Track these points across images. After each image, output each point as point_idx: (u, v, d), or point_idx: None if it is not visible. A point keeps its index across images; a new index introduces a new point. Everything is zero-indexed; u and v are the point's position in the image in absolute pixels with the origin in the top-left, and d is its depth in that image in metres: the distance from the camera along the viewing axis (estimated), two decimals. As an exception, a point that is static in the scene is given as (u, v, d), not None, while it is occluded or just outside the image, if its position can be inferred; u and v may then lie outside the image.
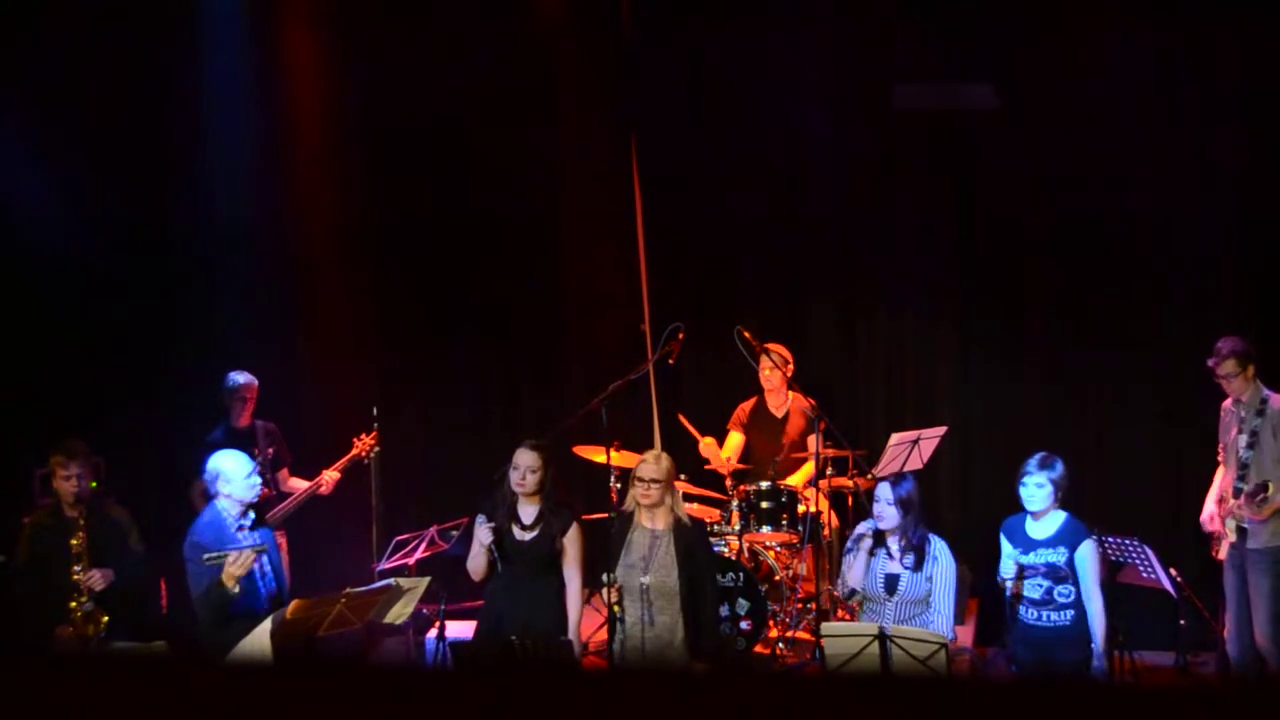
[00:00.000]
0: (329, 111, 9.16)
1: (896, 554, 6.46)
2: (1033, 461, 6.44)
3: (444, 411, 9.33)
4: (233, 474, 6.35)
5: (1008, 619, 6.51)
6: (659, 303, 9.13)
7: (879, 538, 6.53)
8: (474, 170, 9.19)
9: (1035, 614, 6.38)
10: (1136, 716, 2.38)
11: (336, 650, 6.10)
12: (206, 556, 6.15)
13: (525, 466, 6.37)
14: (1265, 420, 7.03)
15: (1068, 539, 6.37)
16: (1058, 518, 6.42)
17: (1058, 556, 6.34)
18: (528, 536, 6.41)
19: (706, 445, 8.35)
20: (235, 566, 6.11)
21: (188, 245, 8.96)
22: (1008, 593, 6.42)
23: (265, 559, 6.37)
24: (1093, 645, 6.31)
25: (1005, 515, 6.67)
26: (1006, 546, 6.49)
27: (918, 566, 6.43)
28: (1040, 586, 6.36)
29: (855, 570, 6.51)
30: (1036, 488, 6.39)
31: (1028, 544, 6.42)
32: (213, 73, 8.89)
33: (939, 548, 6.49)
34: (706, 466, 8.43)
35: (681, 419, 8.51)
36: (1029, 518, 6.47)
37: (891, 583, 6.44)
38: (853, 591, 6.54)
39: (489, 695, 2.47)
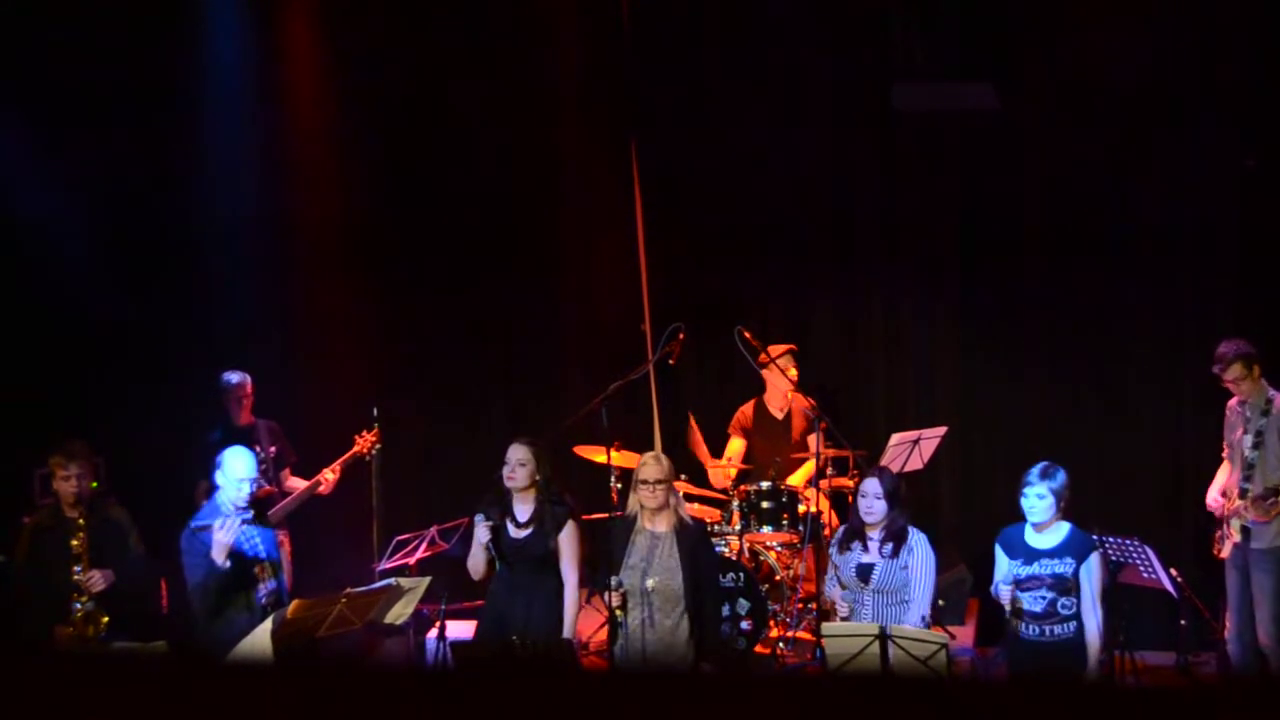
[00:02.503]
0: (329, 111, 9.16)
1: (875, 545, 6.43)
2: (1034, 472, 6.34)
3: (444, 411, 9.33)
4: (229, 471, 6.39)
5: (1005, 634, 6.45)
6: (659, 303, 9.13)
7: (856, 533, 6.50)
8: (474, 170, 9.18)
9: (1036, 629, 6.25)
10: (1136, 716, 2.38)
11: (336, 650, 6.11)
12: (195, 525, 6.20)
13: (515, 460, 6.39)
14: (1270, 421, 7.03)
15: (1074, 550, 6.27)
16: (1061, 528, 6.32)
17: (1064, 568, 6.26)
18: (522, 535, 6.43)
19: (714, 472, 8.33)
20: (222, 533, 6.15)
21: (188, 244, 8.95)
22: (1005, 604, 6.33)
23: (259, 540, 6.39)
24: (1087, 658, 6.25)
25: (1006, 515, 6.64)
26: (1003, 559, 6.40)
27: (894, 554, 6.38)
28: (1044, 599, 6.24)
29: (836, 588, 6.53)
30: (1038, 499, 6.29)
31: (1030, 555, 6.30)
32: (213, 72, 8.89)
33: (918, 539, 6.43)
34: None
35: (693, 424, 8.40)
36: (1029, 528, 6.37)
37: (864, 571, 6.40)
38: (834, 603, 6.55)
39: (489, 695, 2.47)
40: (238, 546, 6.31)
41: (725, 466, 8.33)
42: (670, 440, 8.92)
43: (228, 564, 6.21)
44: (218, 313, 8.99)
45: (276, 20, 9.09)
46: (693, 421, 8.42)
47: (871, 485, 6.46)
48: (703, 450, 8.33)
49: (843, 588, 6.48)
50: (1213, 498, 7.29)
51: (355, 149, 9.17)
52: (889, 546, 6.39)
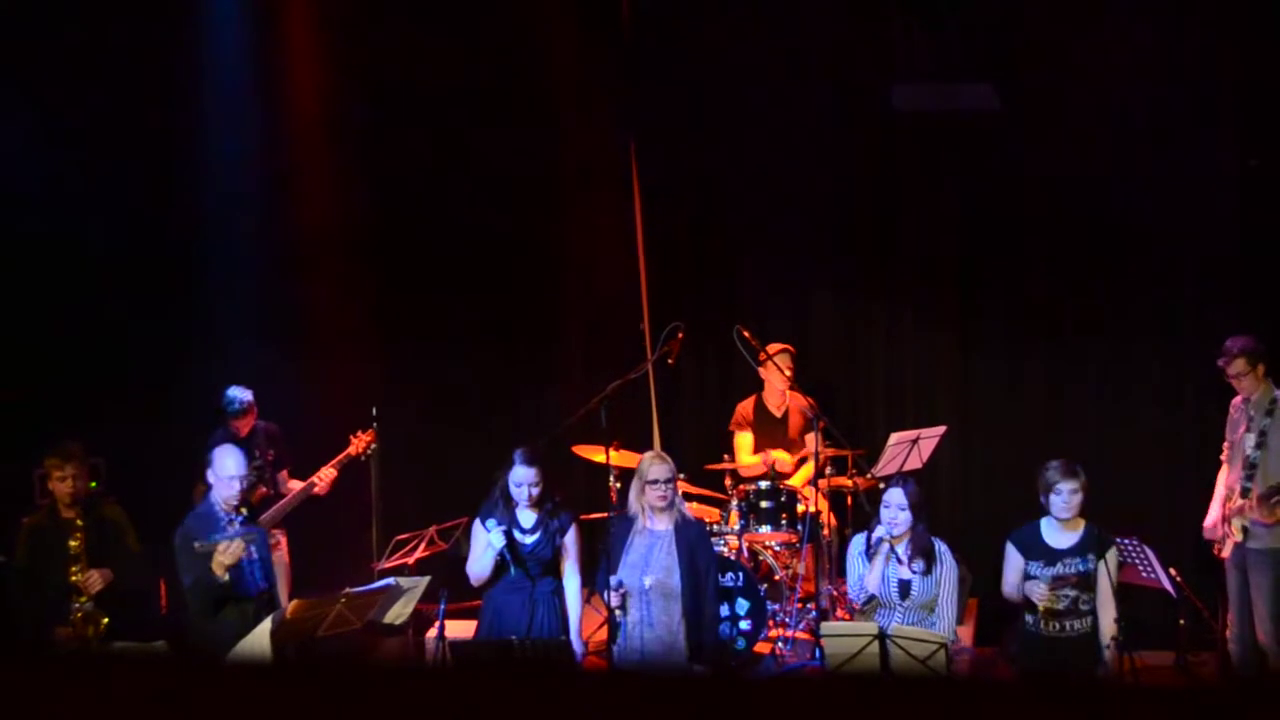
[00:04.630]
0: (329, 111, 9.15)
1: (905, 559, 6.43)
2: (1055, 469, 6.32)
3: (444, 411, 9.32)
4: (220, 468, 6.37)
5: (1020, 629, 6.44)
6: (659, 303, 9.13)
7: (887, 542, 6.49)
8: (474, 170, 9.18)
9: (1056, 625, 6.30)
10: (1136, 716, 2.38)
11: (336, 650, 6.10)
12: (198, 544, 6.17)
13: (528, 482, 6.38)
14: (1274, 421, 7.01)
15: (1094, 546, 6.29)
16: (1078, 525, 6.36)
17: (1087, 565, 6.29)
18: (529, 540, 6.43)
19: (778, 459, 8.37)
20: (225, 555, 6.14)
21: (187, 244, 8.95)
22: (1040, 604, 6.29)
23: (255, 550, 6.37)
24: (1100, 650, 6.27)
25: (1005, 515, 6.65)
26: (1018, 560, 6.38)
27: (928, 570, 6.39)
28: (1067, 597, 6.28)
29: (874, 575, 6.46)
30: (1072, 494, 6.28)
31: (1051, 555, 6.31)
32: (212, 73, 8.88)
33: (944, 551, 6.46)
34: (773, 466, 8.39)
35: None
36: (1045, 527, 6.37)
37: (905, 588, 6.40)
38: (871, 597, 6.48)
39: (489, 695, 2.47)
40: (239, 568, 6.28)
41: (791, 465, 8.36)
42: (670, 440, 8.92)
43: (226, 578, 6.19)
44: (217, 312, 8.99)
45: (276, 21, 9.08)
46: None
47: (895, 496, 6.45)
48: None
49: (881, 605, 6.44)
50: (1210, 521, 7.27)
51: (355, 149, 9.16)
52: (920, 563, 6.39)
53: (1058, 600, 6.28)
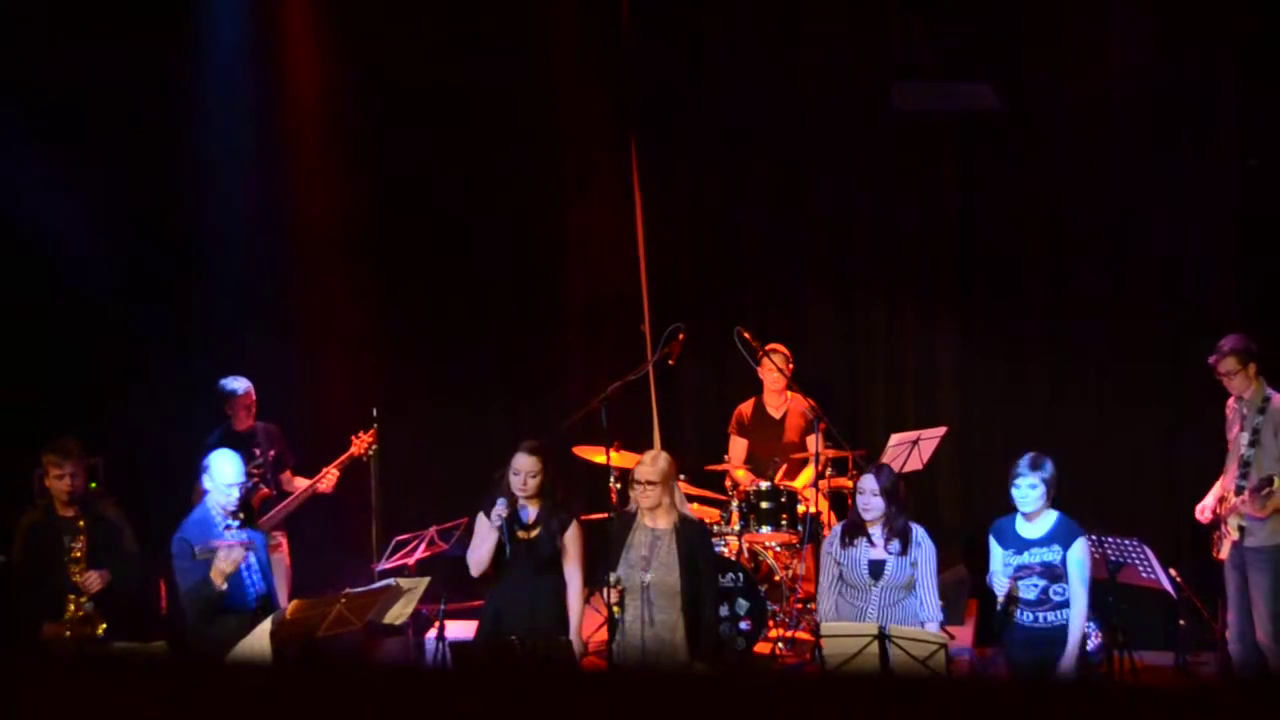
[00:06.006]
0: (329, 110, 9.16)
1: (880, 541, 6.47)
2: (1023, 462, 6.43)
3: (444, 411, 9.32)
4: (218, 474, 6.35)
5: (1000, 622, 6.50)
6: (659, 303, 9.13)
7: (858, 529, 6.52)
8: (473, 170, 9.18)
9: (1031, 615, 6.37)
10: (1136, 716, 2.38)
11: (336, 650, 6.10)
12: (197, 549, 6.16)
13: (526, 471, 6.36)
14: (1267, 418, 7.03)
15: (1061, 537, 6.38)
16: (1050, 517, 6.43)
17: (1053, 555, 6.36)
18: (529, 536, 6.42)
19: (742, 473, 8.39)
20: (224, 563, 6.13)
21: (187, 244, 8.95)
22: (1000, 594, 6.41)
23: (253, 557, 6.36)
24: (1069, 644, 6.30)
25: (1005, 515, 6.67)
26: (996, 549, 6.48)
27: (903, 551, 6.44)
28: (1035, 586, 6.36)
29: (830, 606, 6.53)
30: (1029, 489, 6.38)
31: (1020, 544, 6.42)
32: (212, 69, 8.88)
33: (921, 534, 6.51)
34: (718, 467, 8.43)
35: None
36: (1020, 518, 6.47)
37: (876, 569, 6.44)
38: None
39: (489, 695, 2.47)
40: (238, 575, 6.27)
41: (733, 467, 8.36)
42: (670, 440, 8.92)
43: (224, 587, 6.18)
44: (217, 312, 8.99)
45: (276, 20, 9.08)
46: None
47: (868, 482, 6.51)
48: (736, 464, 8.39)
49: (850, 585, 6.48)
50: (1201, 507, 7.30)
51: (356, 148, 9.17)
52: (896, 544, 6.43)
53: (1025, 590, 6.35)
